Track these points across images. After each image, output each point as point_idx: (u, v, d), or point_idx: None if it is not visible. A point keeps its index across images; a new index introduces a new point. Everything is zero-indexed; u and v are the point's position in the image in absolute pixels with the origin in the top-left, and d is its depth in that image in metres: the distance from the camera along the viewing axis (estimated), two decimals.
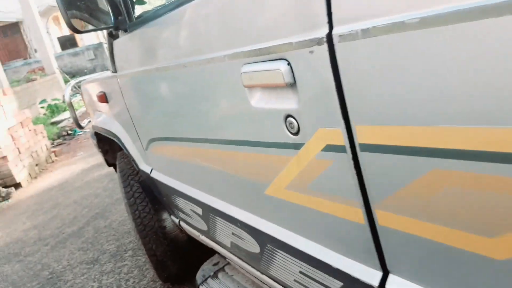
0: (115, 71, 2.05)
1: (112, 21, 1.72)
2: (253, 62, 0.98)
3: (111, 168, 3.23)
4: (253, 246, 1.32)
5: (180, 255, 2.30)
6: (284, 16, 0.86)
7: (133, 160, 2.22)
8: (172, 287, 2.53)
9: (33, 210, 4.73)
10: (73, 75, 16.24)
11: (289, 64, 0.87)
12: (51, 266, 3.28)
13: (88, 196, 4.67)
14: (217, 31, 1.13)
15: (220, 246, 1.63)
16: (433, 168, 0.66)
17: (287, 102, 0.93)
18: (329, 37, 0.74)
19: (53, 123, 9.72)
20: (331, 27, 0.74)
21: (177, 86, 1.47)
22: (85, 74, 13.82)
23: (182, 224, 2.01)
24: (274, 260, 1.23)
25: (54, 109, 11.07)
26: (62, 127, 9.20)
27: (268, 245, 1.22)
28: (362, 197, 0.82)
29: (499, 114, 0.54)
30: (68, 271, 3.14)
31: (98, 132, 2.76)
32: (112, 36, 1.93)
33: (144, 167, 2.13)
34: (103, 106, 2.52)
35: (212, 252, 1.87)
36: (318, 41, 0.77)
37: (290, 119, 0.93)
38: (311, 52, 0.80)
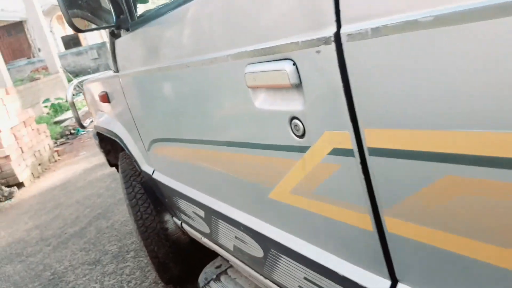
0: (117, 70, 2.02)
1: (114, 20, 1.71)
2: (257, 62, 0.95)
3: (114, 168, 3.21)
4: (256, 250, 1.29)
5: (182, 257, 2.27)
6: (289, 14, 0.83)
7: (135, 161, 2.20)
8: None
9: (35, 210, 4.71)
10: (76, 74, 16.27)
11: (294, 64, 0.84)
12: (53, 267, 3.26)
13: (90, 196, 4.65)
14: (220, 30, 1.10)
15: (223, 249, 1.60)
16: (446, 174, 0.62)
17: (293, 104, 0.90)
18: (337, 36, 0.71)
19: (56, 122, 9.71)
20: (339, 25, 0.71)
21: (179, 86, 1.44)
22: (89, 73, 13.85)
23: (184, 226, 1.98)
24: (278, 265, 1.20)
25: (57, 108, 11.08)
26: (65, 126, 9.20)
27: (272, 250, 1.19)
28: (370, 203, 0.79)
29: None
30: (70, 272, 3.12)
31: (100, 132, 2.74)
32: (114, 35, 1.90)
33: (146, 168, 2.11)
34: (105, 106, 2.49)
35: (214, 254, 1.84)
36: (325, 41, 0.74)
37: (296, 121, 0.90)
38: (318, 52, 0.76)
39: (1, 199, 5.33)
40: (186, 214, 1.84)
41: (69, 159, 6.90)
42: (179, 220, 2.03)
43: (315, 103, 0.83)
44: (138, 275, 2.78)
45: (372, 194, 0.78)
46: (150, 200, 2.20)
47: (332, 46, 0.73)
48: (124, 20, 1.68)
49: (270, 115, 0.99)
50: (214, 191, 1.48)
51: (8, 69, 12.09)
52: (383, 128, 0.70)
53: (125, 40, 1.80)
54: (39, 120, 8.56)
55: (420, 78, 0.61)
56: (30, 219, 4.48)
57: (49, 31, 15.97)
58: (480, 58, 0.52)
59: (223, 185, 1.40)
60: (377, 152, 0.73)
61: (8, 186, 5.60)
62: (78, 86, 3.28)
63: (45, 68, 15.06)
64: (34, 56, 20.75)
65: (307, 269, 1.06)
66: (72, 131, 8.84)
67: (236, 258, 1.52)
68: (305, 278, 1.09)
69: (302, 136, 0.90)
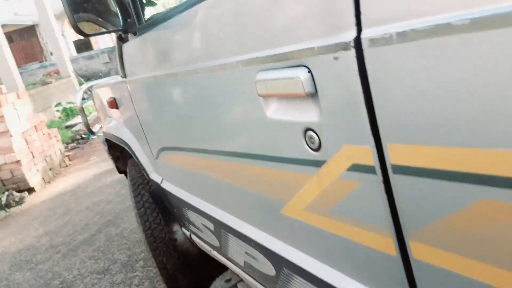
0: (124, 76, 1.97)
1: (121, 24, 1.66)
2: (269, 69, 0.88)
3: (123, 174, 3.16)
4: (268, 268, 1.22)
5: (191, 268, 2.20)
6: (304, 17, 0.75)
7: (144, 169, 2.14)
8: None
9: (45, 216, 4.68)
10: (88, 78, 16.36)
11: (309, 71, 0.77)
12: (62, 275, 3.22)
13: (100, 202, 4.61)
14: (229, 34, 1.03)
15: (233, 263, 1.53)
16: (482, 198, 0.55)
17: (307, 114, 0.82)
18: (357, 41, 0.64)
19: (67, 127, 9.73)
20: (359, 29, 0.64)
21: (187, 93, 1.38)
22: (100, 77, 13.94)
23: (193, 237, 1.92)
24: (291, 286, 1.12)
25: (68, 113, 11.11)
26: (76, 130, 9.20)
27: (285, 269, 1.12)
28: (394, 225, 0.71)
29: None
30: (78, 280, 3.07)
31: (109, 138, 2.70)
32: (121, 40, 1.85)
33: (155, 176, 2.05)
34: (113, 112, 2.45)
35: (224, 267, 1.77)
36: (344, 46, 0.66)
37: (310, 133, 0.83)
38: (336, 58, 0.69)
39: (12, 204, 5.32)
40: (195, 226, 1.77)
41: (79, 164, 6.88)
42: (188, 231, 1.97)
43: (333, 114, 0.76)
44: (147, 285, 2.73)
45: (396, 215, 0.70)
46: (159, 209, 2.15)
47: (352, 52, 0.65)
48: (131, 24, 1.63)
49: (282, 126, 0.92)
50: (224, 204, 1.42)
51: (21, 73, 12.19)
52: (408, 144, 0.62)
53: (133, 44, 1.75)
54: (50, 125, 8.58)
55: (452, 90, 0.53)
56: (40, 225, 4.45)
57: (61, 35, 16.08)
58: None
59: (233, 198, 1.33)
60: (401, 170, 0.65)
61: (19, 191, 5.58)
62: (89, 90, 3.25)
63: (57, 72, 15.16)
64: (46, 60, 20.94)
65: None
66: (83, 136, 8.84)
67: (247, 273, 1.45)
68: None
69: (317, 149, 0.83)
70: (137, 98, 1.91)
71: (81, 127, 9.45)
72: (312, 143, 0.83)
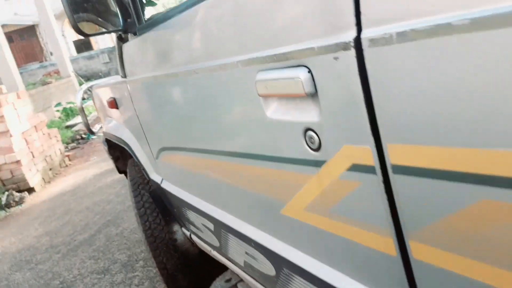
0: (124, 76, 1.97)
1: (121, 24, 1.65)
2: (268, 69, 0.88)
3: (123, 174, 3.16)
4: (268, 268, 1.22)
5: (191, 268, 2.20)
6: (304, 17, 0.75)
7: (144, 169, 2.14)
8: None
9: (45, 216, 4.68)
10: (88, 78, 16.35)
11: (309, 71, 0.76)
12: (62, 275, 3.22)
13: (100, 202, 4.61)
14: (229, 34, 1.03)
15: (233, 263, 1.53)
16: (482, 198, 0.55)
17: (307, 114, 0.82)
18: (357, 41, 0.64)
19: (67, 127, 9.73)
20: (359, 29, 0.64)
21: (187, 93, 1.38)
22: (100, 77, 13.93)
23: (193, 237, 1.91)
24: (291, 286, 1.12)
25: (68, 113, 11.10)
26: (76, 130, 9.20)
27: (285, 269, 1.11)
28: (394, 225, 0.71)
29: None
30: (78, 280, 3.07)
31: (109, 138, 2.70)
32: (121, 40, 1.85)
33: (155, 176, 2.05)
34: (113, 112, 2.45)
35: (225, 266, 1.77)
36: (344, 46, 0.66)
37: (310, 133, 0.83)
38: (336, 58, 0.69)
39: (12, 204, 5.31)
40: (195, 226, 1.77)
41: (79, 164, 6.88)
42: (188, 231, 1.97)
43: (332, 114, 0.76)
44: (147, 285, 2.72)
45: (396, 215, 0.70)
46: (159, 209, 2.14)
47: (352, 52, 0.65)
48: (131, 24, 1.63)
49: (282, 126, 0.91)
50: (224, 204, 1.42)
51: (21, 73, 12.19)
52: (408, 144, 0.62)
53: (133, 44, 1.75)
54: (50, 125, 8.58)
55: (452, 90, 0.53)
56: (40, 225, 4.45)
57: (61, 35, 16.07)
58: None
59: (232, 198, 1.33)
60: (401, 170, 0.65)
61: (19, 191, 5.58)
62: (89, 90, 3.25)
63: (57, 72, 15.16)
64: (46, 60, 20.94)
65: None
66: (83, 136, 8.83)
67: (247, 273, 1.45)
68: None
69: (317, 149, 0.82)
70: (137, 98, 1.91)
71: (81, 127, 9.45)
72: (312, 143, 0.83)
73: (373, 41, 0.61)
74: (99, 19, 1.65)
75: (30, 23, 22.93)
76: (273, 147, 0.99)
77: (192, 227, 1.84)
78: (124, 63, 1.92)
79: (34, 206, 5.19)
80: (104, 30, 1.69)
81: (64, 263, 3.41)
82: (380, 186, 0.70)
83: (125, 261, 3.13)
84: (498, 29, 0.46)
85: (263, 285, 1.35)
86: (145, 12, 1.65)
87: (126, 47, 1.84)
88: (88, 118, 4.25)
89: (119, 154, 2.93)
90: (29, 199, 5.51)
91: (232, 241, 1.39)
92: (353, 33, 0.64)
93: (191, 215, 1.73)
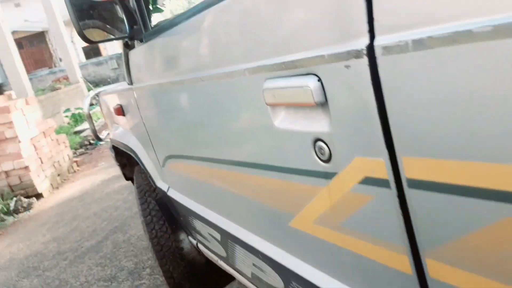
0: (131, 83, 1.95)
1: (127, 31, 1.63)
2: (277, 77, 0.85)
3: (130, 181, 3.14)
4: (276, 281, 1.18)
5: (198, 277, 2.17)
6: (314, 23, 0.72)
7: (150, 177, 2.12)
8: None
9: (53, 222, 4.67)
10: (96, 84, 16.42)
11: (319, 80, 0.73)
12: (69, 283, 3.19)
13: (107, 208, 4.59)
14: (236, 41, 1.00)
15: (240, 274, 1.49)
16: (505, 216, 0.51)
17: (317, 124, 0.79)
18: (370, 48, 0.60)
19: (76, 132, 9.75)
20: (372, 36, 0.60)
21: (194, 101, 1.35)
22: (108, 83, 13.99)
23: (200, 246, 1.88)
24: None
25: (77, 118, 11.14)
26: (84, 136, 9.21)
27: (293, 283, 1.08)
28: (409, 242, 0.68)
29: None
30: None
31: (116, 145, 2.68)
32: (127, 46, 1.83)
33: (161, 184, 2.02)
34: (120, 119, 2.43)
35: (232, 276, 1.74)
36: (356, 54, 0.63)
37: (320, 143, 0.79)
38: (347, 66, 0.66)
39: (20, 210, 5.31)
40: (201, 235, 1.74)
41: (87, 170, 6.88)
42: (195, 240, 1.94)
43: (344, 125, 0.72)
44: None
45: (411, 232, 0.67)
46: (165, 217, 2.12)
47: (364, 60, 0.62)
48: (137, 30, 1.61)
49: (291, 136, 0.88)
50: (231, 214, 1.38)
51: (30, 79, 12.27)
52: (425, 157, 0.59)
53: (139, 51, 1.73)
54: (59, 130, 8.59)
55: (473, 101, 0.50)
56: (48, 231, 4.44)
57: (70, 41, 16.18)
58: None
59: (240, 208, 1.30)
60: (417, 184, 0.62)
61: (27, 197, 5.58)
62: (96, 96, 3.24)
63: (66, 78, 15.25)
64: (55, 66, 21.09)
65: None
66: (92, 141, 8.84)
67: (255, 285, 1.41)
68: None
69: (327, 160, 0.79)
70: (143, 105, 1.89)
71: (89, 133, 9.46)
72: (322, 154, 0.80)
73: (387, 49, 0.58)
74: (105, 26, 1.64)
75: (40, 29, 23.11)
76: (281, 158, 0.96)
77: (198, 236, 1.81)
78: (131, 70, 1.90)
79: (42, 212, 5.18)
80: (110, 37, 1.67)
81: (71, 270, 3.39)
82: (394, 200, 0.67)
83: (132, 269, 3.10)
84: None
85: None
86: (152, 18, 1.64)
87: (132, 54, 1.82)
88: (95, 124, 4.24)
89: (126, 161, 2.91)
90: (37, 205, 5.50)
91: (239, 252, 1.36)
92: (365, 41, 0.61)
93: (198, 224, 1.70)
